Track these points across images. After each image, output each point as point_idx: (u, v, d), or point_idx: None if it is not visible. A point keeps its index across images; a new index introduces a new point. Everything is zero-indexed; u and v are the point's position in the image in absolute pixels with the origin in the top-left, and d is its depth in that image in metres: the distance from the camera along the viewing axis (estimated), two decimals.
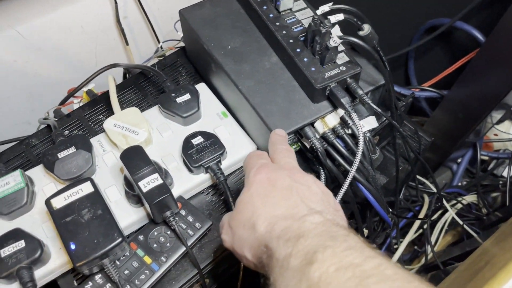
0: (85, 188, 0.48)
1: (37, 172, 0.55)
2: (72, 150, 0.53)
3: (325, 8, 0.49)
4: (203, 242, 0.53)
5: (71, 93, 0.74)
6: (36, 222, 0.51)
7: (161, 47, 0.86)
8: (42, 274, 0.48)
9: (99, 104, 0.65)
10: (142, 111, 0.59)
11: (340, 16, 0.48)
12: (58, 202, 0.47)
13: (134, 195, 0.51)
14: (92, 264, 0.45)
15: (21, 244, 0.47)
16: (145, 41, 0.95)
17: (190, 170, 0.55)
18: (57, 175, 0.52)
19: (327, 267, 0.31)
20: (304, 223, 0.36)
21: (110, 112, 0.64)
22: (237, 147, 0.57)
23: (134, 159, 0.49)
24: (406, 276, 0.30)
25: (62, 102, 0.74)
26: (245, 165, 0.45)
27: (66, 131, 0.60)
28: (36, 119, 0.90)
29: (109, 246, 0.45)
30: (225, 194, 0.53)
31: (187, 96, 0.59)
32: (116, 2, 0.81)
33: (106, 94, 0.67)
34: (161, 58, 0.75)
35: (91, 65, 0.89)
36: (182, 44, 0.81)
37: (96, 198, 0.48)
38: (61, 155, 0.53)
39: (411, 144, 0.64)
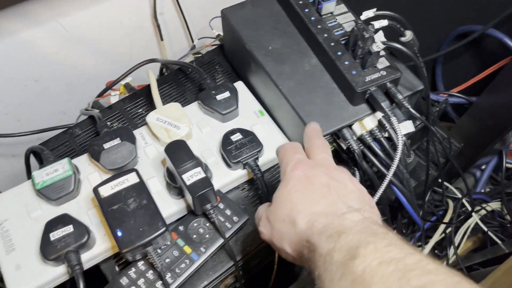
0: (131, 179, 0.51)
1: (83, 161, 0.57)
2: (117, 141, 0.56)
3: (369, 13, 0.50)
4: (238, 236, 0.55)
5: (110, 86, 0.76)
6: (82, 209, 0.53)
7: (195, 45, 0.88)
8: (87, 258, 0.50)
9: (139, 98, 0.67)
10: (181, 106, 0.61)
11: (384, 22, 0.50)
12: (106, 191, 0.50)
13: (175, 187, 0.53)
14: (136, 251, 0.48)
15: (69, 228, 0.49)
16: (179, 37, 0.97)
17: (229, 166, 0.56)
18: (102, 165, 0.54)
19: (370, 261, 0.32)
20: (345, 221, 0.37)
21: (149, 106, 0.66)
22: (273, 145, 0.59)
23: (178, 152, 0.51)
24: (448, 271, 0.31)
25: (100, 94, 0.76)
26: (280, 158, 0.46)
27: (108, 123, 0.62)
28: (71, 109, 0.93)
29: (153, 234, 0.47)
30: (261, 190, 0.55)
31: (226, 94, 0.61)
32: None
33: (145, 88, 0.69)
34: (198, 55, 0.78)
35: (126, 59, 0.91)
36: (217, 41, 0.83)
37: (141, 189, 0.50)
38: (106, 145, 0.55)
39: (443, 149, 0.65)
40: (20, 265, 0.49)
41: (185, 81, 0.69)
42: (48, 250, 0.48)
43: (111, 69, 0.90)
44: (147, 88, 0.68)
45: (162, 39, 0.91)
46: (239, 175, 0.57)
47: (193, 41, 0.97)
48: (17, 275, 0.49)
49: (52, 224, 0.50)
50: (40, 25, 0.74)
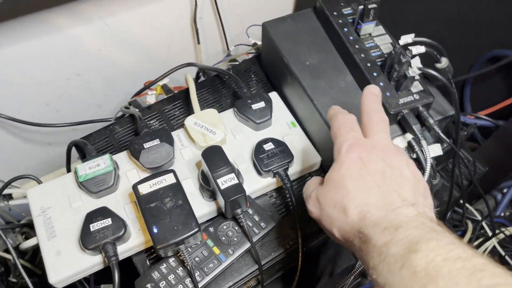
0: (168, 179, 0.54)
1: (122, 158, 0.61)
2: (156, 142, 0.59)
3: (408, 39, 0.52)
4: (264, 241, 0.57)
5: (148, 86, 0.79)
6: (119, 203, 0.57)
7: (230, 53, 0.91)
8: (122, 250, 0.53)
9: (177, 101, 0.70)
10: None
11: (422, 49, 0.51)
12: (144, 189, 0.53)
13: (208, 190, 0.56)
14: (169, 248, 0.50)
15: (108, 221, 0.53)
16: (214, 41, 1.00)
17: (259, 173, 0.59)
18: (141, 163, 0.58)
19: (434, 257, 0.32)
20: (399, 216, 0.37)
21: (186, 109, 0.70)
22: (303, 156, 0.61)
23: (215, 157, 0.54)
24: None
25: (138, 93, 0.80)
26: (334, 133, 0.45)
27: (148, 123, 0.65)
28: (107, 103, 0.97)
29: (187, 234, 0.50)
30: (289, 199, 0.57)
31: (262, 104, 0.63)
32: (196, 4, 0.86)
33: (183, 92, 0.72)
34: (234, 62, 0.80)
35: (163, 59, 0.95)
36: (253, 50, 0.86)
37: (177, 189, 0.53)
38: (146, 145, 0.58)
39: (468, 171, 0.66)
40: (60, 251, 0.53)
41: (221, 87, 0.72)
42: (88, 240, 0.51)
43: (148, 68, 0.94)
44: (185, 91, 0.71)
45: (199, 43, 0.94)
46: (269, 183, 0.60)
47: (228, 46, 1.00)
48: (57, 260, 0.52)
49: (92, 216, 0.53)
50: (88, 23, 0.78)
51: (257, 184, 0.59)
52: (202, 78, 0.81)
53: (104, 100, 0.95)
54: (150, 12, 0.84)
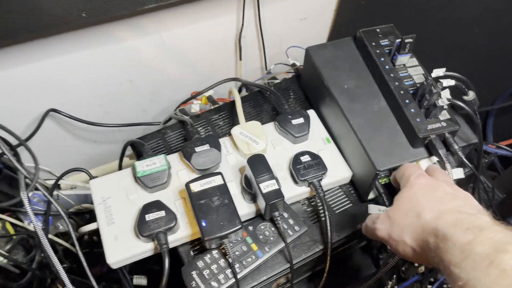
0: (217, 180, 0.61)
1: (174, 159, 0.68)
2: (206, 147, 0.66)
3: (439, 72, 0.59)
4: (296, 243, 0.63)
5: (195, 96, 0.87)
6: (170, 199, 0.64)
7: (270, 71, 0.99)
8: (171, 240, 0.60)
9: (223, 111, 0.78)
10: None
11: (452, 82, 0.58)
12: (195, 187, 0.60)
13: (250, 193, 0.63)
14: (215, 241, 0.57)
15: (161, 213, 0.60)
16: (254, 58, 1.08)
17: (295, 182, 0.66)
18: (192, 165, 0.65)
19: None
20: (479, 219, 0.40)
21: (230, 119, 0.77)
22: (335, 170, 0.68)
23: (259, 165, 0.61)
24: None
25: (185, 101, 0.88)
26: (401, 173, 0.51)
27: (199, 129, 0.73)
28: (151, 108, 1.05)
29: (231, 229, 0.57)
30: (322, 207, 0.64)
31: (301, 120, 0.70)
32: (243, 24, 0.94)
33: (228, 104, 0.80)
34: (275, 80, 0.88)
35: (206, 72, 1.03)
36: (292, 70, 0.93)
37: (224, 190, 0.60)
38: (198, 149, 0.66)
39: (487, 197, 0.72)
40: (117, 236, 0.60)
41: (263, 102, 0.79)
42: (143, 228, 0.58)
43: (192, 79, 1.02)
44: (230, 104, 0.78)
45: (240, 59, 1.02)
46: (303, 191, 0.66)
47: (266, 64, 1.08)
48: (114, 244, 0.60)
49: (148, 207, 0.60)
50: (145, 36, 0.87)
51: (293, 192, 0.66)
52: (243, 92, 0.89)
53: (149, 105, 1.03)
54: (201, 29, 0.92)
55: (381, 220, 0.48)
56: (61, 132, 0.95)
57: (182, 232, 0.61)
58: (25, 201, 0.60)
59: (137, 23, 0.83)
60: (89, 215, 0.90)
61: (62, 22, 0.66)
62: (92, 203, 0.65)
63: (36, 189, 0.69)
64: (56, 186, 0.93)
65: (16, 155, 0.70)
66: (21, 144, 0.72)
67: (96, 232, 0.63)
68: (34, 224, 0.61)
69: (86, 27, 0.76)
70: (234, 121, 0.76)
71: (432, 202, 0.45)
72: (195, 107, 0.86)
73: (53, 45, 0.77)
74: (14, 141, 0.71)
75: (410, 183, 0.48)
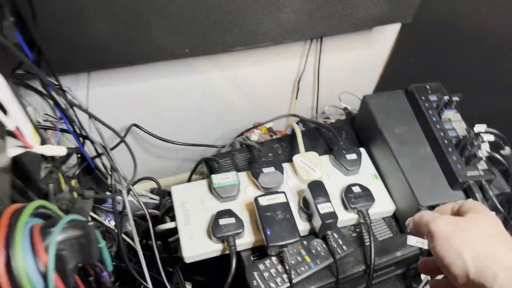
0: (280, 197, 0.72)
1: (242, 176, 0.80)
2: (272, 169, 0.77)
3: (481, 128, 0.69)
4: (342, 261, 0.73)
5: (257, 125, 1.00)
6: (238, 209, 0.75)
7: (324, 111, 1.11)
8: (237, 244, 0.71)
9: (282, 142, 0.90)
10: None
11: (491, 137, 0.68)
12: (263, 201, 0.71)
13: (306, 213, 0.73)
14: (276, 248, 0.68)
15: (232, 220, 0.71)
16: (308, 99, 1.20)
17: (346, 208, 0.76)
18: (259, 183, 0.76)
19: None
20: None
21: (287, 149, 0.89)
22: (381, 203, 0.78)
23: (318, 189, 0.72)
24: None
25: (248, 130, 1.00)
26: (418, 220, 0.48)
27: (266, 154, 0.85)
28: (212, 133, 1.18)
29: (291, 240, 0.67)
30: (368, 233, 0.73)
31: (354, 156, 0.81)
32: (304, 69, 1.07)
33: (286, 136, 0.92)
34: (328, 120, 1.00)
35: (265, 107, 1.16)
36: (343, 112, 1.05)
37: (286, 206, 0.71)
38: (265, 170, 0.77)
39: None
40: (193, 235, 0.71)
41: (318, 137, 0.91)
42: (217, 230, 0.69)
43: (253, 112, 1.15)
44: (288, 136, 0.91)
45: (296, 98, 1.15)
46: (352, 217, 0.76)
47: (317, 104, 1.20)
48: (190, 242, 0.71)
49: (222, 214, 0.71)
50: (221, 70, 1.01)
51: (343, 217, 0.76)
52: (300, 127, 1.01)
53: (211, 130, 1.16)
54: (268, 69, 1.05)
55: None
56: (135, 145, 1.08)
57: (247, 239, 0.72)
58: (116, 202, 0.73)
59: (219, 59, 0.97)
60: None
61: (169, 55, 0.80)
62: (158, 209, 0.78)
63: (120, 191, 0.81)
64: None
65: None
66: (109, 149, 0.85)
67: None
68: (116, 222, 0.74)
69: (182, 58, 0.91)
70: (292, 151, 0.88)
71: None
72: (254, 136, 0.98)
73: (156, 70, 0.91)
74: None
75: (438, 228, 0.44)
